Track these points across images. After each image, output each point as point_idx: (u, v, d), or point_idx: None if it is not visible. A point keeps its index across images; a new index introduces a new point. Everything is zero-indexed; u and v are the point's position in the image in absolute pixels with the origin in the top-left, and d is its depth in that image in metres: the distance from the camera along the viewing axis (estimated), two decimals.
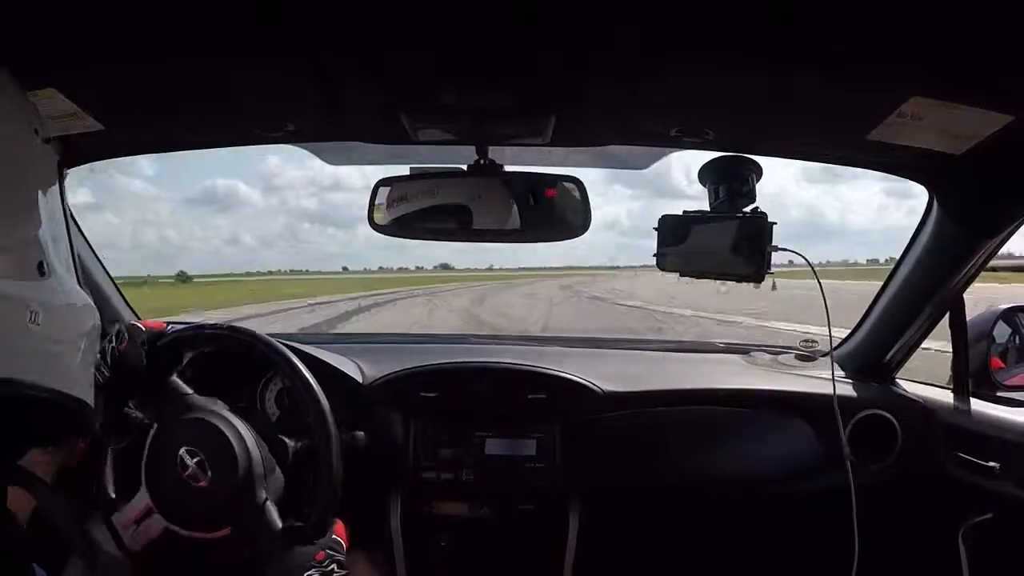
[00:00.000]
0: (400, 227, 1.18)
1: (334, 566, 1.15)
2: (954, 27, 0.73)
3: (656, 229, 1.18)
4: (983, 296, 1.63)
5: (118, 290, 1.68)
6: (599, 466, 1.48)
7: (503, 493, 1.47)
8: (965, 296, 1.41)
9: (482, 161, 1.15)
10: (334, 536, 1.19)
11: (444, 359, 1.56)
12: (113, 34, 0.79)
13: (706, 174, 1.16)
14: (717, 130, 1.08)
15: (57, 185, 0.76)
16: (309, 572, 1.13)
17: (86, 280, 1.56)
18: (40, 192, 0.71)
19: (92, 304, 0.77)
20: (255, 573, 1.15)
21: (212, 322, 1.46)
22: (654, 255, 1.19)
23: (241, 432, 1.16)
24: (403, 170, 1.19)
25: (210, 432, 1.15)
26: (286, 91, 0.99)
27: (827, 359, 1.70)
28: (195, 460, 1.13)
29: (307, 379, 1.22)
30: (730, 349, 1.85)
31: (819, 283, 1.24)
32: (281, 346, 1.24)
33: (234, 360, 1.32)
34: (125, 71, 0.89)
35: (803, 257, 1.17)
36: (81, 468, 1.18)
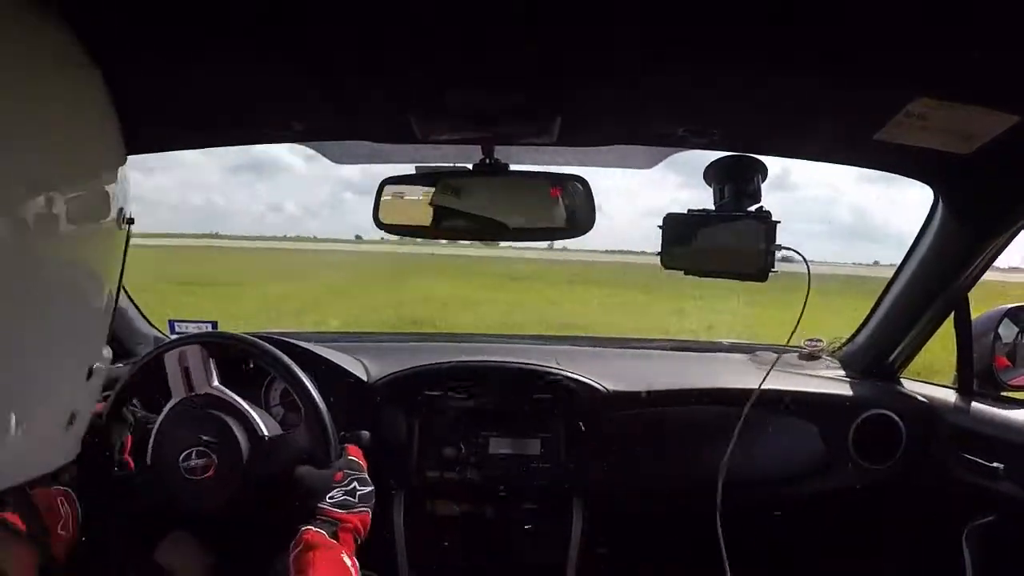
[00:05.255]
0: (406, 226, 1.19)
1: (355, 483, 1.15)
2: (961, 27, 0.73)
3: (661, 227, 1.19)
4: None
5: (131, 299, 1.70)
6: (603, 465, 1.48)
7: (507, 492, 1.47)
8: None
9: (488, 160, 1.16)
10: (350, 457, 1.20)
11: (449, 358, 1.56)
12: (123, 35, 0.80)
13: (712, 173, 1.17)
14: (724, 130, 1.08)
15: (123, 252, 0.68)
16: (332, 493, 1.13)
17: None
18: (110, 274, 0.65)
19: (108, 357, 0.71)
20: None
21: (213, 331, 1.47)
22: (658, 253, 1.19)
23: (217, 395, 1.19)
24: (409, 169, 1.20)
25: (195, 423, 1.17)
26: (293, 91, 1.00)
27: (832, 359, 1.71)
28: (196, 455, 1.14)
29: (307, 387, 1.22)
30: (735, 348, 1.85)
31: (808, 281, 1.24)
32: (280, 354, 1.24)
33: (238, 362, 1.32)
34: (135, 71, 0.89)
35: (802, 257, 1.17)
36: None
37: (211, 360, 1.22)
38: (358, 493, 1.15)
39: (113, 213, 0.62)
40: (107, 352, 0.68)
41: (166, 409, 1.20)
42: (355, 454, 1.22)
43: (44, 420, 0.58)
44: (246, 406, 1.20)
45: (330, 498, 1.12)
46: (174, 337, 1.60)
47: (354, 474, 1.17)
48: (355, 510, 1.13)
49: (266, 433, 1.19)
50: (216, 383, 1.21)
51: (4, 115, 0.50)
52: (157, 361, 1.22)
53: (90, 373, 0.62)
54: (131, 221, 0.66)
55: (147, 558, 1.22)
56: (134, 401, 1.26)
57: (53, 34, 0.58)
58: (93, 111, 0.63)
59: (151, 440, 1.18)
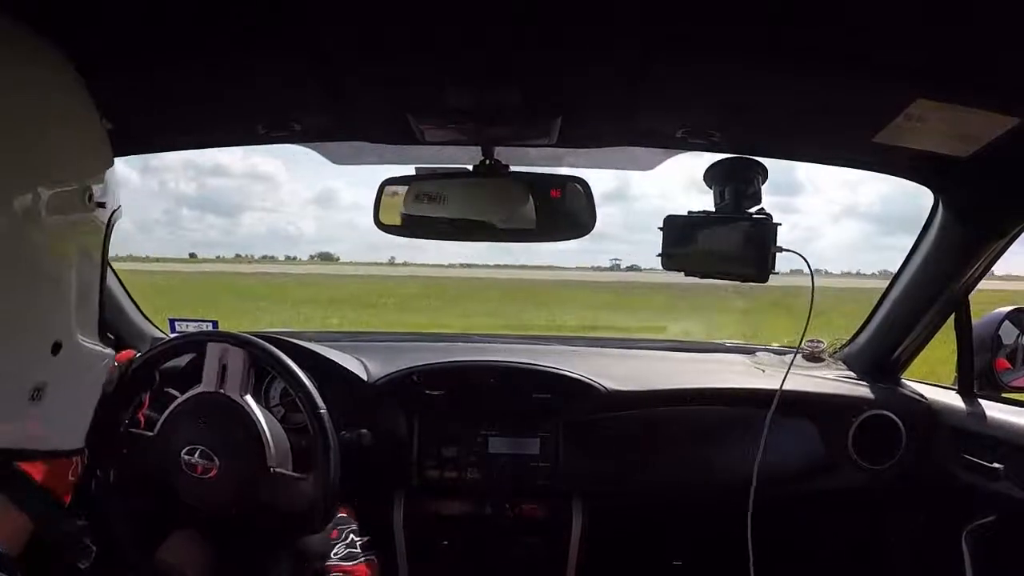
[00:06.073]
0: (406, 227, 1.19)
1: (352, 535, 1.17)
2: (960, 29, 0.73)
3: (661, 229, 1.19)
4: None
5: (131, 298, 1.70)
6: (603, 465, 1.48)
7: (506, 492, 1.48)
8: None
9: (488, 161, 1.16)
10: (340, 514, 1.21)
11: (449, 357, 1.56)
12: (125, 35, 0.80)
13: (712, 175, 1.16)
14: (723, 132, 1.08)
15: (102, 237, 0.69)
16: (335, 549, 1.15)
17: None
18: (81, 254, 0.66)
19: (111, 353, 0.73)
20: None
21: (213, 331, 1.47)
22: (659, 255, 1.19)
23: (245, 407, 1.18)
24: (409, 170, 1.20)
25: (211, 422, 1.16)
26: (293, 91, 1.00)
27: (833, 359, 1.71)
28: (199, 455, 1.14)
29: (306, 386, 1.22)
30: (735, 349, 1.85)
31: (812, 285, 1.24)
32: (279, 353, 1.24)
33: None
34: (137, 71, 0.90)
35: (804, 259, 1.17)
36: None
37: (252, 371, 1.21)
38: (358, 543, 1.18)
39: (74, 188, 0.63)
40: (86, 338, 0.68)
41: (190, 393, 1.19)
42: (344, 511, 1.23)
43: None
44: (267, 430, 1.18)
45: (335, 554, 1.15)
46: (174, 335, 1.61)
47: (347, 527, 1.19)
48: (361, 559, 1.15)
49: (275, 467, 1.17)
50: (249, 396, 1.20)
51: None
52: (197, 347, 1.22)
53: (56, 348, 0.62)
54: (101, 204, 0.67)
55: (150, 554, 1.22)
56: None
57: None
58: (56, 90, 0.65)
59: (164, 415, 1.18)
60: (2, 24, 0.59)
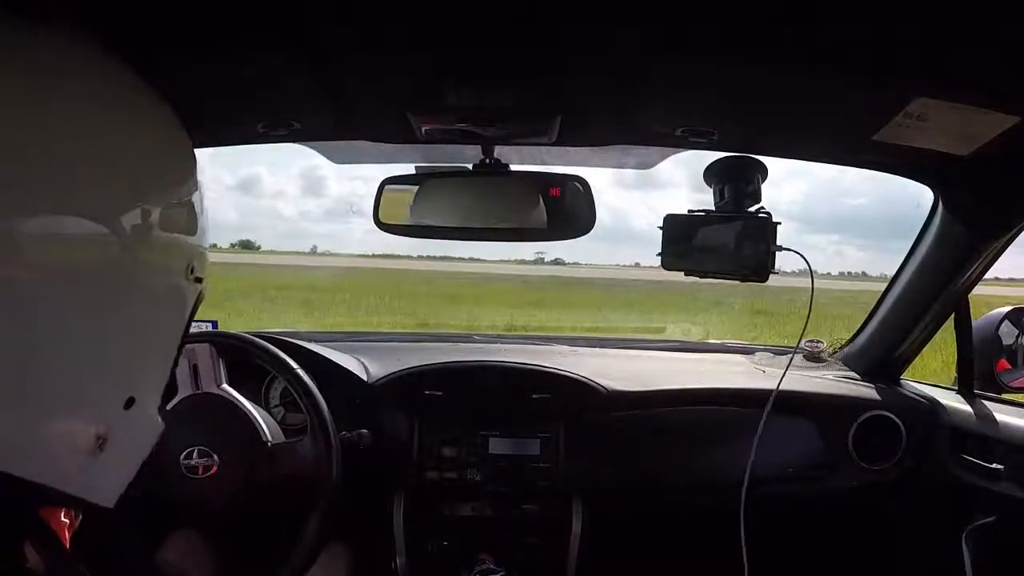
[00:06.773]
0: (405, 226, 1.19)
1: None
2: (961, 27, 0.73)
3: (661, 228, 1.19)
4: None
5: None
6: (603, 466, 1.48)
7: (507, 493, 1.47)
8: None
9: (488, 160, 1.16)
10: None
11: (449, 357, 1.56)
12: (120, 33, 0.80)
13: (711, 174, 1.17)
14: (723, 130, 1.08)
15: (188, 314, 0.68)
16: None
17: None
18: (169, 323, 0.66)
19: (162, 426, 0.71)
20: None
21: (220, 331, 1.47)
22: (658, 254, 1.19)
23: (225, 396, 1.20)
24: (409, 169, 1.20)
25: (199, 421, 1.18)
26: (291, 90, 0.99)
27: (833, 359, 1.71)
28: (198, 454, 1.15)
29: (307, 385, 1.23)
30: (735, 349, 1.85)
31: (812, 284, 1.24)
32: (280, 353, 1.25)
33: (240, 361, 1.33)
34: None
35: (803, 258, 1.17)
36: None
37: (220, 361, 1.23)
38: None
39: (180, 262, 0.63)
40: (151, 404, 0.67)
41: (171, 404, 1.19)
42: None
43: (66, 426, 0.58)
44: (252, 410, 1.21)
45: None
46: None
47: None
48: None
49: (270, 440, 1.20)
50: (225, 384, 1.22)
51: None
52: None
53: (129, 403, 0.62)
54: (199, 280, 0.66)
55: (150, 556, 1.22)
56: None
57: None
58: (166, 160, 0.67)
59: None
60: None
